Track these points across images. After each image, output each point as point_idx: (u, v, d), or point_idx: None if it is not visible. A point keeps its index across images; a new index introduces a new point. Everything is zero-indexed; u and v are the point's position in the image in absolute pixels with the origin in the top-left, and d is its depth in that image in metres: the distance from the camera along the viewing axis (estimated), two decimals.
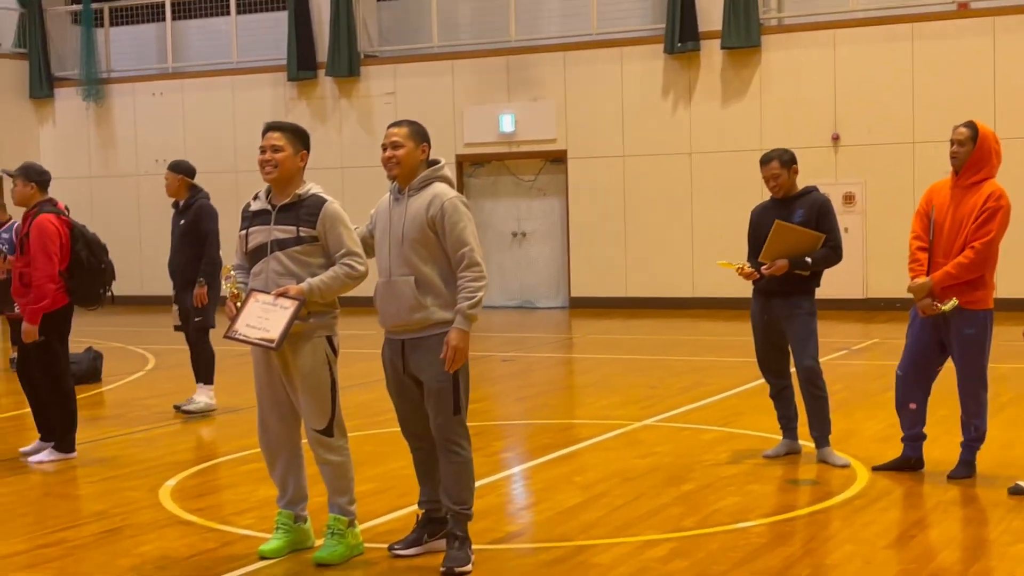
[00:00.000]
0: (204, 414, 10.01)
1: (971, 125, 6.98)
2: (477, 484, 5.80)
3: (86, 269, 8.23)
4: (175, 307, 10.20)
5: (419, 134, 5.70)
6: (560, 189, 20.23)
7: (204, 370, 10.12)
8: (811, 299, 7.65)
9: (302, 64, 21.18)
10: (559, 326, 18.12)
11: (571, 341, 16.53)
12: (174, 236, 10.14)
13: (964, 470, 7.13)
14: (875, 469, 7.37)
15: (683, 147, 19.17)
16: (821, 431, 7.63)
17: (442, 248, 5.57)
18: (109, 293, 8.53)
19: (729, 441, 8.52)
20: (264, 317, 5.62)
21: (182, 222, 10.06)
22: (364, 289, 5.92)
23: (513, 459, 8.46)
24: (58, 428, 8.33)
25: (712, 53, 18.92)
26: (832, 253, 7.51)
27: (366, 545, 5.90)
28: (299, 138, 5.86)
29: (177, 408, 10.10)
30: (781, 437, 7.94)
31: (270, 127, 5.87)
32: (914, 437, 7.30)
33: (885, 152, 17.60)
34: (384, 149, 5.70)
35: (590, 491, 7.09)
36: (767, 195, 7.99)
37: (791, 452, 7.84)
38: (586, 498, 6.92)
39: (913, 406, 7.23)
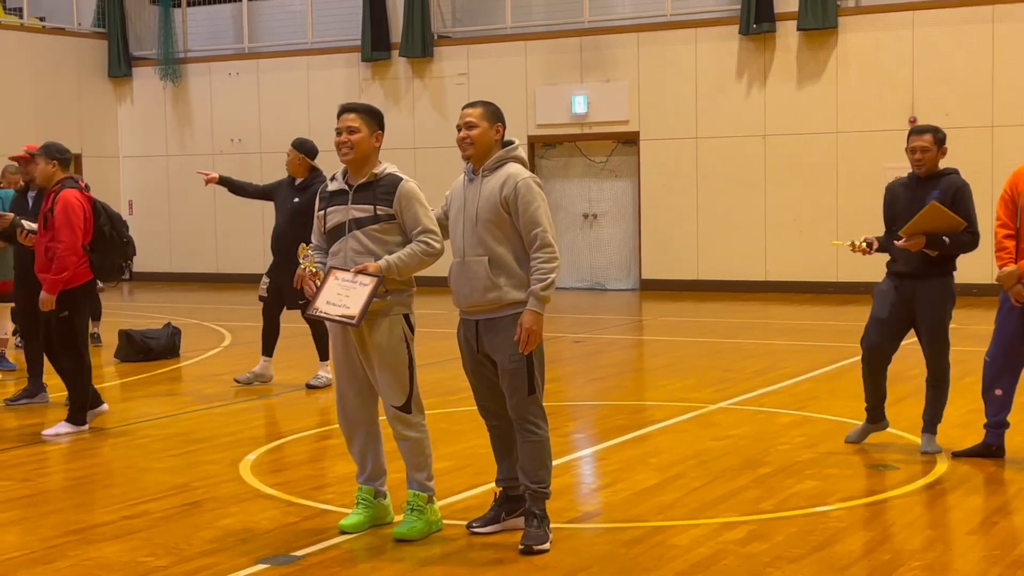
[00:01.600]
0: (256, 384, 10.29)
1: None
2: (552, 464, 5.82)
3: (108, 242, 8.46)
4: (267, 280, 10.33)
5: (493, 114, 5.71)
6: (632, 171, 20.17)
7: (321, 347, 10.20)
8: (947, 282, 7.35)
9: (376, 45, 21.27)
10: (629, 308, 18.09)
11: (641, 323, 16.50)
12: (283, 212, 10.17)
13: None
14: (955, 455, 7.30)
15: (757, 129, 19.02)
16: (933, 418, 7.48)
17: (515, 228, 5.59)
18: (128, 269, 8.75)
19: (805, 425, 8.47)
20: (344, 295, 5.68)
21: (295, 200, 10.06)
22: (438, 269, 5.96)
23: (586, 440, 8.47)
24: (75, 401, 8.49)
25: (788, 34, 18.73)
26: (969, 239, 7.20)
27: (444, 522, 5.95)
28: (374, 118, 5.90)
29: (308, 385, 10.29)
30: (863, 421, 7.77)
31: (345, 108, 5.91)
32: (997, 424, 7.21)
33: (963, 135, 17.31)
34: (459, 130, 5.71)
35: (665, 473, 7.09)
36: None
37: (873, 431, 7.70)
38: (661, 479, 6.92)
39: (999, 392, 7.14)
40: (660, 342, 14.25)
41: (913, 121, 17.64)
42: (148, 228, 23.24)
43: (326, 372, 10.19)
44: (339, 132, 5.85)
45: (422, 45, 20.92)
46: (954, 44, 17.76)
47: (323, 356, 10.18)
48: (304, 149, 10.28)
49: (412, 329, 5.88)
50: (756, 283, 19.07)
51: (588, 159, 20.52)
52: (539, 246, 5.54)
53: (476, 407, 5.95)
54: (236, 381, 10.36)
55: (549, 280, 5.52)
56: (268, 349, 10.43)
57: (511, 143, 5.75)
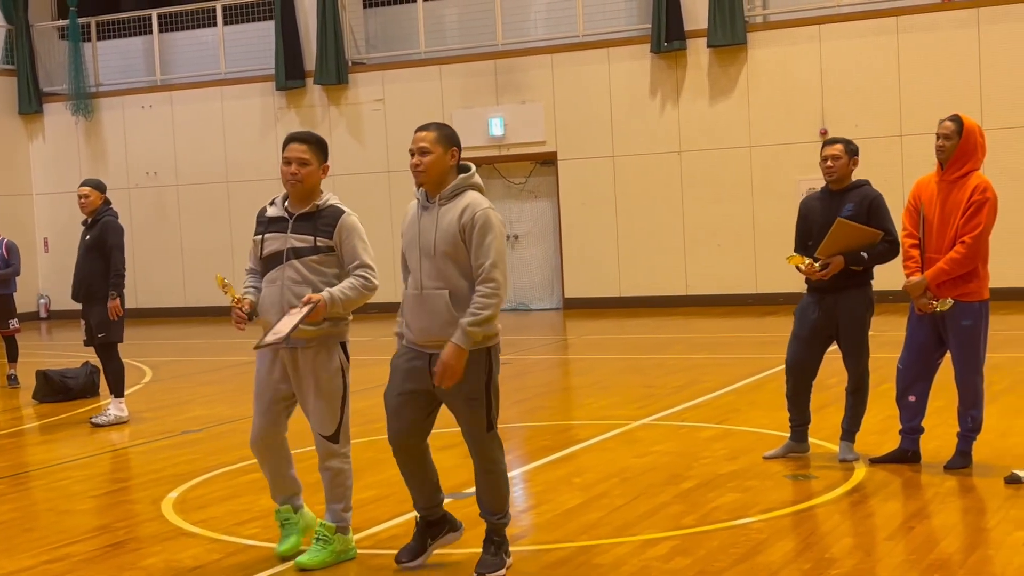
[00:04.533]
0: (115, 425, 10.30)
1: (956, 119, 7.02)
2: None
3: None
4: (83, 322, 10.41)
5: (448, 138, 5.44)
6: (551, 191, 20.28)
7: (114, 383, 10.32)
8: (866, 291, 7.48)
9: (290, 73, 21.22)
10: (554, 328, 18.17)
11: (566, 342, 16.58)
12: (80, 252, 10.43)
13: (961, 460, 7.18)
14: (873, 462, 7.42)
15: (672, 146, 19.23)
16: (852, 426, 7.58)
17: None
18: None
19: (726, 438, 8.56)
20: (285, 323, 5.67)
21: (87, 237, 10.30)
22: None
23: (512, 462, 8.45)
24: None
25: (699, 51, 18.98)
26: (888, 248, 7.32)
27: (374, 552, 5.93)
28: (322, 150, 5.86)
29: (92, 422, 10.37)
30: (788, 436, 7.79)
31: (293, 138, 5.84)
32: (912, 430, 7.34)
33: (873, 145, 17.62)
34: (411, 155, 5.46)
35: (590, 492, 7.13)
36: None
37: (794, 452, 7.75)
38: (586, 499, 6.96)
39: (913, 399, 7.27)
40: (584, 360, 14.32)
41: (824, 133, 17.95)
42: (64, 265, 22.86)
43: (117, 409, 10.33)
44: (288, 162, 5.75)
45: (336, 72, 20.89)
46: (861, 56, 18.12)
47: (117, 392, 10.33)
48: (101, 188, 10.41)
49: (348, 358, 5.89)
50: (677, 298, 19.24)
51: (507, 181, 20.60)
52: (484, 279, 5.30)
53: (388, 439, 5.68)
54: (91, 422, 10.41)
55: (482, 316, 5.25)
56: (118, 389, 10.46)
57: (468, 169, 5.49)
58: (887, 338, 7.84)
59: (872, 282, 7.56)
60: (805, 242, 7.55)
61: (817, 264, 7.33)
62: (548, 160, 20.16)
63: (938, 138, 7.03)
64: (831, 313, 7.48)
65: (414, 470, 5.68)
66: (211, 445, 9.43)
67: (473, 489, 6.68)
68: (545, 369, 13.84)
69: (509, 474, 7.85)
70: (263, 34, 21.78)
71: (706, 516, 6.44)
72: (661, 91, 19.28)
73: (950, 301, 6.94)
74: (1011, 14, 17.40)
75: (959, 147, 6.96)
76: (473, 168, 5.53)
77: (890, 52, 17.95)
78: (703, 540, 5.99)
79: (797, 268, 7.44)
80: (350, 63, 21.15)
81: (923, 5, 17.99)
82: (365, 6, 21.84)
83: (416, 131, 5.47)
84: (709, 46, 18.76)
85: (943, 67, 17.58)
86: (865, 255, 7.31)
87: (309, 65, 21.29)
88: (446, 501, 5.84)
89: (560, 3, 20.50)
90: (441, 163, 5.40)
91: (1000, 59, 17.35)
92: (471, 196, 5.42)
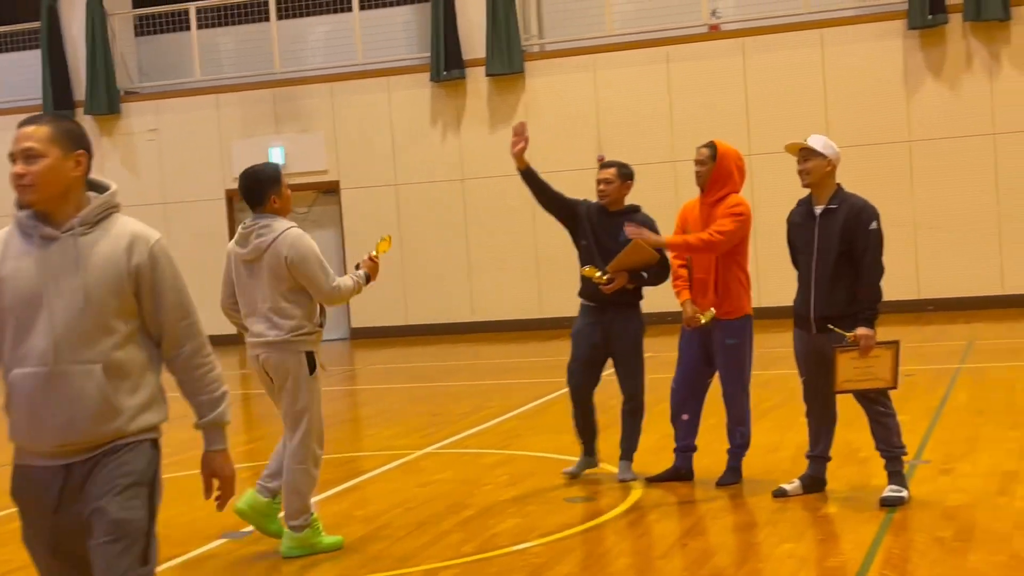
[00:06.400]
0: None
1: (711, 145, 7.29)
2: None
3: None
4: None
5: (71, 136, 3.70)
6: (334, 220, 20.13)
7: None
8: (639, 314, 7.71)
9: (58, 103, 20.49)
10: (341, 358, 17.99)
11: (354, 373, 16.43)
12: None
13: (731, 476, 7.39)
14: (648, 481, 7.56)
15: (455, 174, 19.34)
16: (630, 446, 7.72)
17: (141, 315, 3.69)
18: None
19: (509, 464, 8.60)
20: None
21: None
22: None
23: None
24: None
25: (478, 80, 19.16)
26: (663, 271, 7.56)
27: None
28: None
29: None
30: (575, 457, 7.97)
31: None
32: (686, 448, 7.52)
33: (647, 172, 17.92)
34: (12, 160, 3.66)
35: (372, 523, 7.06)
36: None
37: (590, 467, 7.89)
38: (368, 531, 6.89)
39: (686, 417, 7.46)
40: (371, 390, 14.22)
41: (601, 159, 18.27)
42: None
43: None
44: None
45: (108, 102, 20.29)
46: (634, 84, 18.60)
47: None
48: None
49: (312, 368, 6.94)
50: (464, 324, 19.32)
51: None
52: (199, 346, 3.75)
53: None
54: None
55: (226, 395, 3.80)
56: None
57: (106, 186, 3.79)
58: (664, 359, 8.03)
59: (641, 303, 7.77)
60: (575, 235, 7.88)
61: (604, 277, 7.52)
62: (331, 189, 20.01)
63: (696, 164, 7.28)
64: (606, 331, 7.65)
65: None
66: None
67: (251, 529, 6.60)
68: (331, 400, 13.62)
69: None
70: (29, 63, 21.00)
71: (487, 543, 6.44)
72: (442, 120, 19.39)
73: (712, 311, 7.18)
74: (774, 43, 18.15)
75: (714, 171, 7.22)
76: (114, 186, 3.83)
77: (661, 80, 18.49)
78: (483, 568, 5.98)
79: (590, 279, 7.60)
80: (122, 92, 20.57)
81: (692, 35, 18.60)
82: (137, 34, 21.32)
83: (19, 126, 3.72)
84: (488, 75, 18.97)
85: (712, 94, 18.19)
86: (645, 274, 7.55)
87: (79, 95, 20.61)
88: (221, 542, 5.61)
89: (339, 32, 20.42)
90: (59, 172, 3.64)
91: (764, 85, 18.07)
92: (128, 222, 3.73)
